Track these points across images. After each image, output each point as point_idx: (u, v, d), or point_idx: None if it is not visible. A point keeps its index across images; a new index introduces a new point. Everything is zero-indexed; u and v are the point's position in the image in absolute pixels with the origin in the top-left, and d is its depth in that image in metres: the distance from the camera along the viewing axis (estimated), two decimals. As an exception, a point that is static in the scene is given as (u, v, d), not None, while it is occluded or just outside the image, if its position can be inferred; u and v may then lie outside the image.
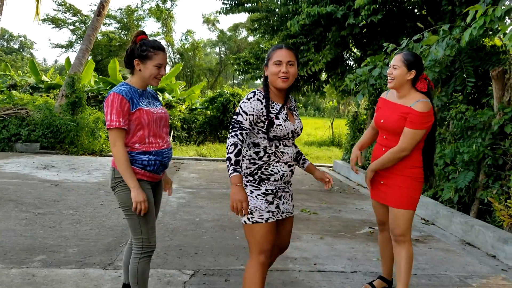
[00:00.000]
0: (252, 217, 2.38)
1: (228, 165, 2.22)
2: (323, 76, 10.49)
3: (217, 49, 51.34)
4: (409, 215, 2.79)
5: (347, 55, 9.87)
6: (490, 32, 5.61)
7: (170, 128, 15.46)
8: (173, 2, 46.75)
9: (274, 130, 2.40)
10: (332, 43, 8.77)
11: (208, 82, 46.68)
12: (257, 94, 2.42)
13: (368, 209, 6.01)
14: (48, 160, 8.99)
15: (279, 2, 9.89)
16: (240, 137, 2.30)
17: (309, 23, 8.68)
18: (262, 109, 2.39)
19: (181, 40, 47.92)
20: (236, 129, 2.31)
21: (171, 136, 15.13)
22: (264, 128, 2.40)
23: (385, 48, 5.35)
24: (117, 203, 2.56)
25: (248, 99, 2.39)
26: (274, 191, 2.46)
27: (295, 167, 2.60)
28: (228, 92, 16.79)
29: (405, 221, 2.79)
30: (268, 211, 2.40)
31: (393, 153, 2.72)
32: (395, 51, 5.28)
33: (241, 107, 2.38)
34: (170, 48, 45.95)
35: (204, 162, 9.69)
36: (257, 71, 9.99)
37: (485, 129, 5.12)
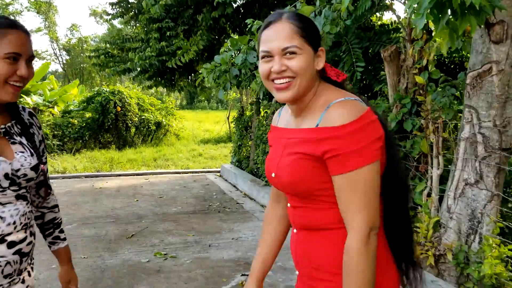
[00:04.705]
0: None
1: None
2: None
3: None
4: None
5: (226, 41, 8.49)
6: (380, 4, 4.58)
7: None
8: (53, -6, 42.44)
9: None
10: (205, 28, 7.30)
11: (101, 78, 43.22)
12: None
13: (248, 236, 4.66)
14: None
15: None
16: None
17: (174, 4, 7.14)
18: None
19: (66, 35, 44.15)
20: None
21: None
22: None
23: (249, 26, 3.98)
24: None
25: None
26: None
27: (32, 246, 1.46)
28: (108, 90, 14.68)
29: None
30: None
31: (354, 253, 1.11)
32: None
33: None
34: (55, 44, 42.08)
35: (57, 182, 7.72)
36: (121, 65, 8.20)
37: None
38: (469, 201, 3.18)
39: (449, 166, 3.56)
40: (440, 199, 3.48)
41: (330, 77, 1.28)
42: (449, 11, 2.36)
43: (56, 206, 1.65)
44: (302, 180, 1.19)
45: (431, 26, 4.02)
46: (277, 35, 1.19)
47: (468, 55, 6.07)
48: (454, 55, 6.03)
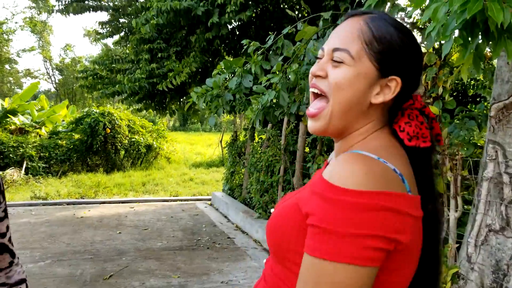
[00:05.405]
0: None
1: None
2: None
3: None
4: None
5: (220, 63, 8.17)
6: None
7: (22, 158, 12.50)
8: (49, 15, 42.25)
9: None
10: (198, 49, 6.97)
11: (93, 99, 42.89)
12: None
13: (239, 279, 4.20)
14: None
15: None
16: None
17: (166, 23, 6.80)
18: None
19: (60, 55, 44.07)
20: None
21: (24, 168, 12.15)
22: None
23: (244, 48, 3.63)
24: None
25: None
26: None
27: None
28: (97, 111, 14.27)
29: None
30: None
31: None
32: (261, 49, 3.56)
33: None
34: (48, 64, 41.81)
35: (37, 209, 7.23)
36: (110, 87, 7.82)
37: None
38: (493, 250, 2.79)
39: (464, 206, 3.18)
40: (458, 246, 3.07)
41: (397, 131, 0.87)
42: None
43: (23, 281, 1.16)
44: (279, 227, 0.84)
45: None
46: (339, 33, 0.87)
47: (472, 81, 5.79)
48: (456, 81, 5.73)
